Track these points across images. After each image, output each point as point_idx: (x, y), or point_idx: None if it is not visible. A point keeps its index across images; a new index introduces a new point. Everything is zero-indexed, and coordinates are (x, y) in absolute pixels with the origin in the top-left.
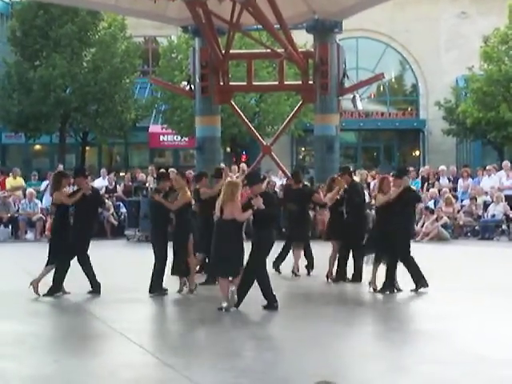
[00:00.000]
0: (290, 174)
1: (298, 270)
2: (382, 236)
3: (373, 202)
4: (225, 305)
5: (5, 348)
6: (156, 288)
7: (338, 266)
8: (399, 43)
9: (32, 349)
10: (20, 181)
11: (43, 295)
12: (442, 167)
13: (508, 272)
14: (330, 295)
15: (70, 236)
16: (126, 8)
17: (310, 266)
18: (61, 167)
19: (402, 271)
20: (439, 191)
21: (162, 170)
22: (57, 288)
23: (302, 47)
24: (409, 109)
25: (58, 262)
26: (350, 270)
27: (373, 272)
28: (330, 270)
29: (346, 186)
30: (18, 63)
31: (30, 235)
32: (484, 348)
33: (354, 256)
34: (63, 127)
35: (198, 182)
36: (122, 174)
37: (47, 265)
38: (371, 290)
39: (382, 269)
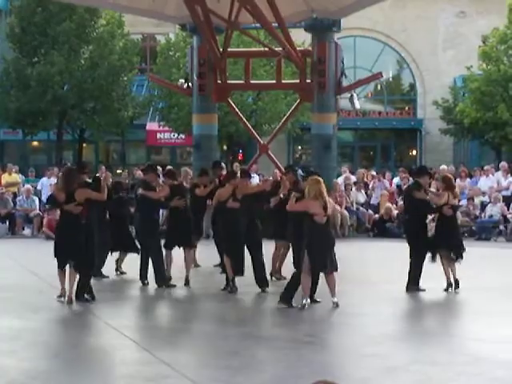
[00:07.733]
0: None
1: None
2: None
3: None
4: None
5: (2, 344)
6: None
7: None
8: (397, 42)
9: (29, 344)
10: (15, 177)
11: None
12: (443, 167)
13: (506, 273)
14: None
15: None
16: (124, 5)
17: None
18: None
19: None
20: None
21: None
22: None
23: (300, 46)
24: (406, 108)
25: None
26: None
27: (445, 270)
28: (273, 267)
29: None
30: (16, 60)
31: (27, 231)
32: (481, 349)
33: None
34: (60, 124)
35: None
36: (118, 171)
37: None
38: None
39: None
